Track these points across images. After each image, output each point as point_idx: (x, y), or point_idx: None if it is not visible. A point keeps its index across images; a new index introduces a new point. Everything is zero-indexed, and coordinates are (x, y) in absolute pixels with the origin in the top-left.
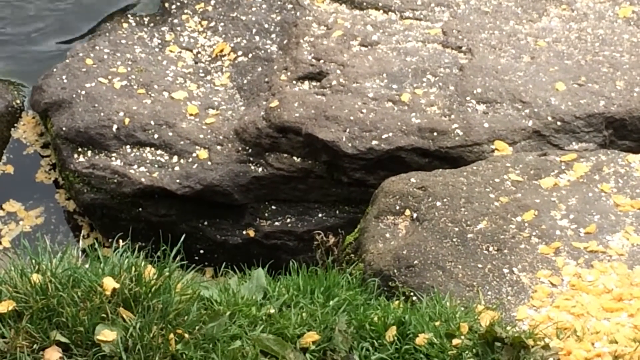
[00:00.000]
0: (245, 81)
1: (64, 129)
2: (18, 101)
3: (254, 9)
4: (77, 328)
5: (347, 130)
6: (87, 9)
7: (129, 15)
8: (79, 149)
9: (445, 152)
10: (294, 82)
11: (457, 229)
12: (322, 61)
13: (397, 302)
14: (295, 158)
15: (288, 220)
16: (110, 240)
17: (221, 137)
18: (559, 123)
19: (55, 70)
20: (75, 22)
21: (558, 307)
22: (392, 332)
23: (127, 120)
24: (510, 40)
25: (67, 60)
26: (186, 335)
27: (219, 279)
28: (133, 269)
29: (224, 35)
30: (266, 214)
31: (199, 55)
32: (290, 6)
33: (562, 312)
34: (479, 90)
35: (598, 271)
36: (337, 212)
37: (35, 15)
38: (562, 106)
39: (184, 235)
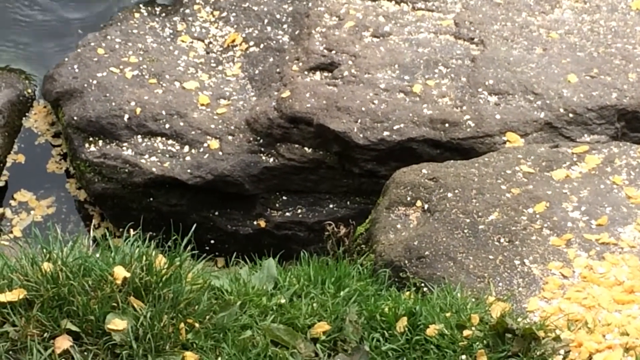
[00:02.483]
0: (256, 71)
1: (75, 118)
2: (29, 90)
3: None
4: (87, 317)
5: (359, 121)
6: None
7: (140, 5)
8: (90, 139)
9: (457, 143)
10: (306, 72)
11: (468, 220)
12: (333, 52)
13: (407, 293)
14: (306, 149)
15: (299, 210)
16: (121, 230)
17: (232, 127)
18: (571, 115)
19: (66, 59)
20: (87, 11)
21: (569, 298)
22: (402, 323)
23: (138, 110)
24: (523, 31)
25: (79, 50)
26: (197, 325)
27: (229, 269)
28: (144, 258)
29: (235, 26)
30: (277, 205)
31: (210, 45)
32: None
33: (573, 304)
34: (491, 81)
35: (609, 263)
36: (348, 202)
37: (46, 3)
38: (574, 98)
39: (194, 225)
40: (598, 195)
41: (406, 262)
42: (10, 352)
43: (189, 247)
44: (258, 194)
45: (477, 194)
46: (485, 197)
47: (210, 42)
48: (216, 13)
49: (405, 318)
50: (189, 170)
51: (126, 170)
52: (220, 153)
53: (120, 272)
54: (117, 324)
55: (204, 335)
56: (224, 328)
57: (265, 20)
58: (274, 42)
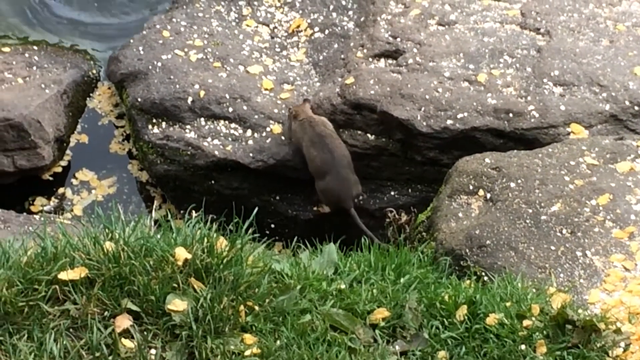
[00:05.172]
0: (321, 57)
1: (139, 99)
2: (94, 71)
3: None
4: (148, 297)
5: (422, 109)
6: None
7: None
8: (154, 120)
9: (521, 133)
10: (370, 59)
11: (530, 211)
12: (398, 39)
13: (468, 282)
14: (369, 135)
15: (360, 197)
16: (182, 212)
17: None
18: (636, 108)
19: (132, 41)
20: None
21: (631, 291)
22: (462, 312)
23: (202, 93)
24: (589, 23)
25: (144, 32)
26: (256, 308)
27: (288, 252)
28: (205, 240)
29: (300, 11)
30: None
31: (275, 30)
32: None
33: (634, 297)
34: (556, 72)
35: None
36: (410, 190)
37: None
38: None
39: (256, 209)
40: None
41: (467, 250)
42: (71, 330)
43: (250, 231)
44: None
45: (540, 185)
46: (548, 187)
47: (275, 27)
48: None
49: (465, 306)
50: (251, 154)
51: (189, 152)
52: (283, 138)
53: (181, 254)
54: (177, 304)
55: (263, 318)
56: (283, 312)
57: (331, 7)
58: (339, 28)
